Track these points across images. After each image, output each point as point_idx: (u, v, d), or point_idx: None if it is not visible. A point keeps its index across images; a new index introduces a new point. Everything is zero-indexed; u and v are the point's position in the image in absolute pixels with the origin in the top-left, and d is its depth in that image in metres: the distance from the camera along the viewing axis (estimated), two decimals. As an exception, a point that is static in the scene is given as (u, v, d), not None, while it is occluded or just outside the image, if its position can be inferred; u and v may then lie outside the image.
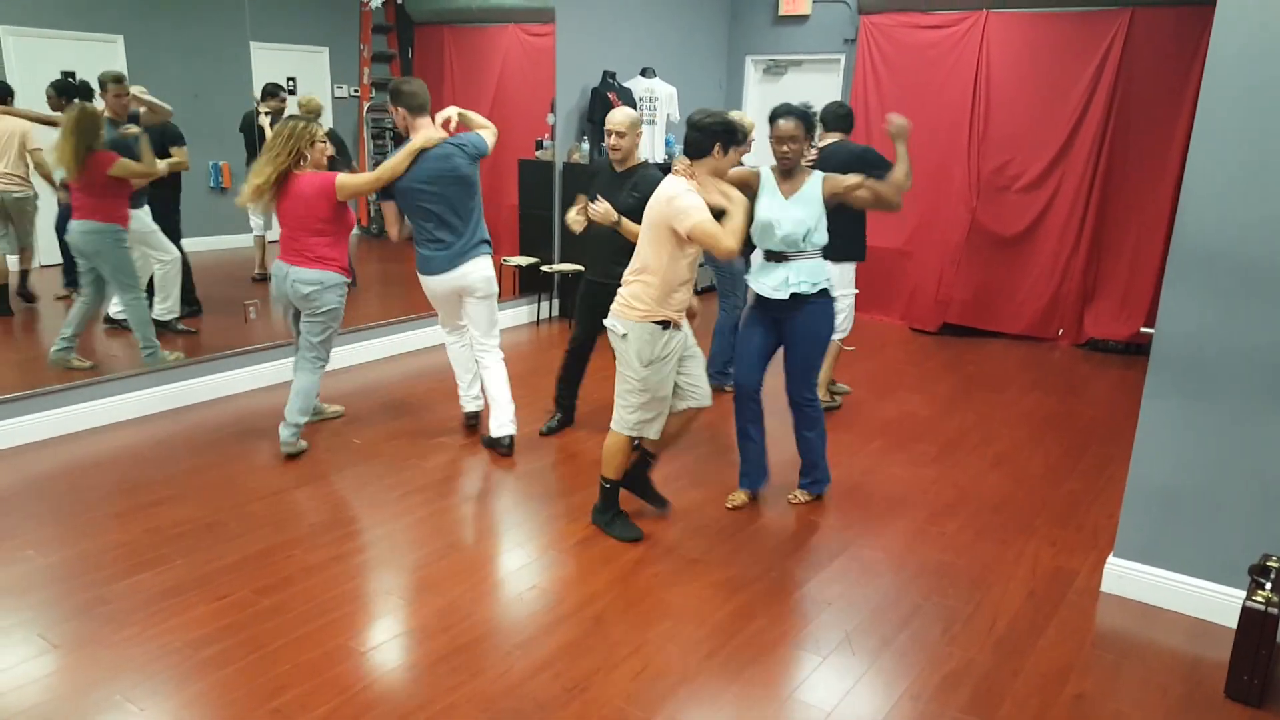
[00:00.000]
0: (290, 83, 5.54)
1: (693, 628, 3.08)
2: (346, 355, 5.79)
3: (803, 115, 3.67)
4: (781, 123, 3.63)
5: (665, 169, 4.94)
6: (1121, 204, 6.89)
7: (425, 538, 3.66)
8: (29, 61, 4.42)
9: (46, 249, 4.79)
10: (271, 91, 5.30)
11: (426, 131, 4.19)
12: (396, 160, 4.15)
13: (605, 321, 3.59)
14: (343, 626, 3.03)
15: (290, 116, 4.25)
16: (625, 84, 7.40)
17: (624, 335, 3.48)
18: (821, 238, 3.72)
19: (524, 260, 7.05)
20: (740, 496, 4.04)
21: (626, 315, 3.47)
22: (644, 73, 7.57)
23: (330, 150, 4.34)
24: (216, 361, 5.19)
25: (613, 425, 3.63)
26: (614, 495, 3.74)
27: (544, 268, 7.12)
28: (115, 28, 4.68)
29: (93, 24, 4.62)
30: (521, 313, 7.22)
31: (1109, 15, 6.68)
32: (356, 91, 5.94)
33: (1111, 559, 3.41)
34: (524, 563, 3.49)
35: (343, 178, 4.19)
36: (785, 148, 3.62)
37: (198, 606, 3.11)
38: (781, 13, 8.31)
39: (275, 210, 4.24)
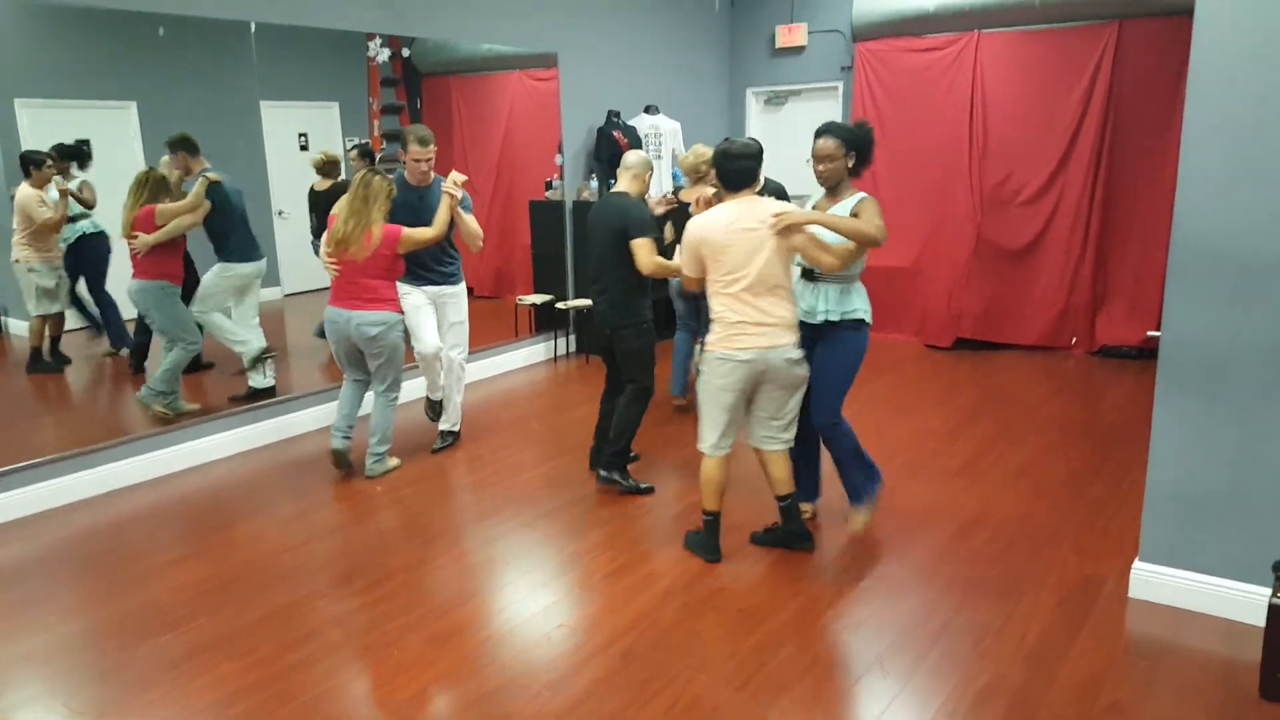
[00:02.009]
0: (302, 138, 5.67)
1: (722, 658, 3.10)
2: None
3: (841, 132, 3.66)
4: (819, 141, 3.69)
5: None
6: (1123, 211, 6.93)
7: (449, 581, 3.70)
8: (43, 132, 4.52)
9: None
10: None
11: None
12: (444, 217, 4.67)
13: (787, 354, 3.55)
14: (370, 677, 3.04)
15: (369, 170, 4.56)
16: (630, 122, 7.52)
17: (801, 359, 3.60)
18: (860, 261, 3.68)
19: (539, 298, 7.14)
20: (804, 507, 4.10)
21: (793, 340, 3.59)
22: (648, 110, 7.69)
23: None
24: (236, 416, 5.27)
25: (787, 446, 3.74)
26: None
27: (559, 304, 7.21)
28: (127, 94, 4.79)
29: (104, 92, 4.73)
30: (538, 350, 7.30)
31: (1097, 29, 6.77)
32: (368, 144, 6.07)
33: (1137, 564, 3.41)
34: (550, 601, 3.52)
35: (407, 231, 4.55)
36: (821, 166, 3.69)
37: (223, 665, 3.12)
38: (779, 45, 8.45)
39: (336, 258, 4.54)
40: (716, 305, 3.59)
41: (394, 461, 4.90)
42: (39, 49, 4.46)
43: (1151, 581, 3.37)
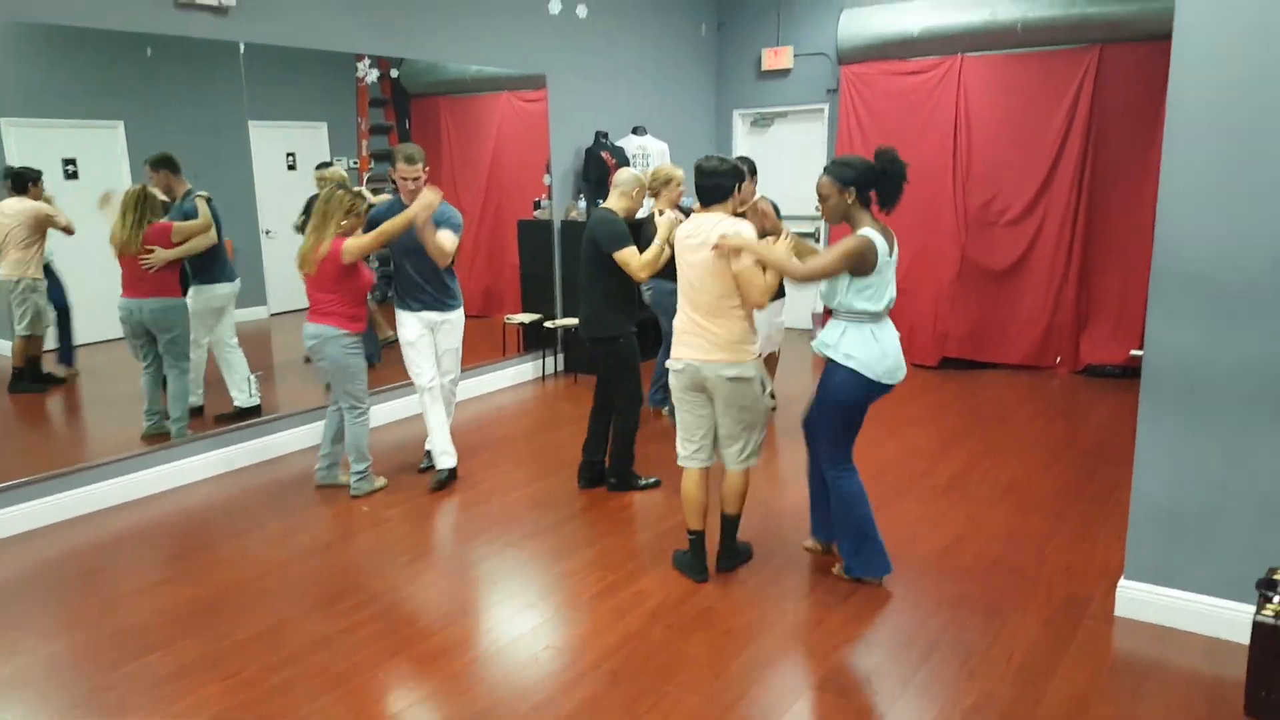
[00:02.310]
0: (290, 158, 5.68)
1: (711, 678, 3.09)
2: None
3: (834, 170, 3.48)
4: (818, 179, 3.55)
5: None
6: (1106, 231, 7.02)
7: (436, 602, 3.68)
8: (30, 151, 4.51)
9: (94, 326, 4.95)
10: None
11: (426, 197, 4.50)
12: (389, 228, 4.51)
13: (721, 370, 3.56)
14: (355, 699, 3.02)
15: (334, 186, 4.59)
16: (618, 143, 7.57)
17: (751, 378, 3.60)
18: (852, 300, 3.45)
19: (527, 317, 7.15)
20: (810, 542, 4.05)
21: (748, 359, 3.59)
22: (635, 131, 7.74)
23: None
24: (220, 436, 5.24)
25: (741, 467, 3.75)
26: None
27: (547, 323, 7.21)
28: (114, 114, 4.78)
29: (92, 111, 4.72)
30: (526, 369, 7.30)
31: (1078, 53, 6.87)
32: (356, 163, 6.08)
33: (1123, 582, 3.43)
34: (537, 622, 3.51)
35: (348, 241, 4.46)
36: (818, 205, 3.63)
37: (207, 686, 3.09)
38: (765, 67, 8.54)
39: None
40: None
41: (380, 481, 4.88)
42: (26, 68, 4.46)
43: (1137, 599, 3.38)
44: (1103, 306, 7.13)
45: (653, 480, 4.86)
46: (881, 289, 3.44)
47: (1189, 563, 3.27)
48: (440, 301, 4.83)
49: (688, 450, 3.81)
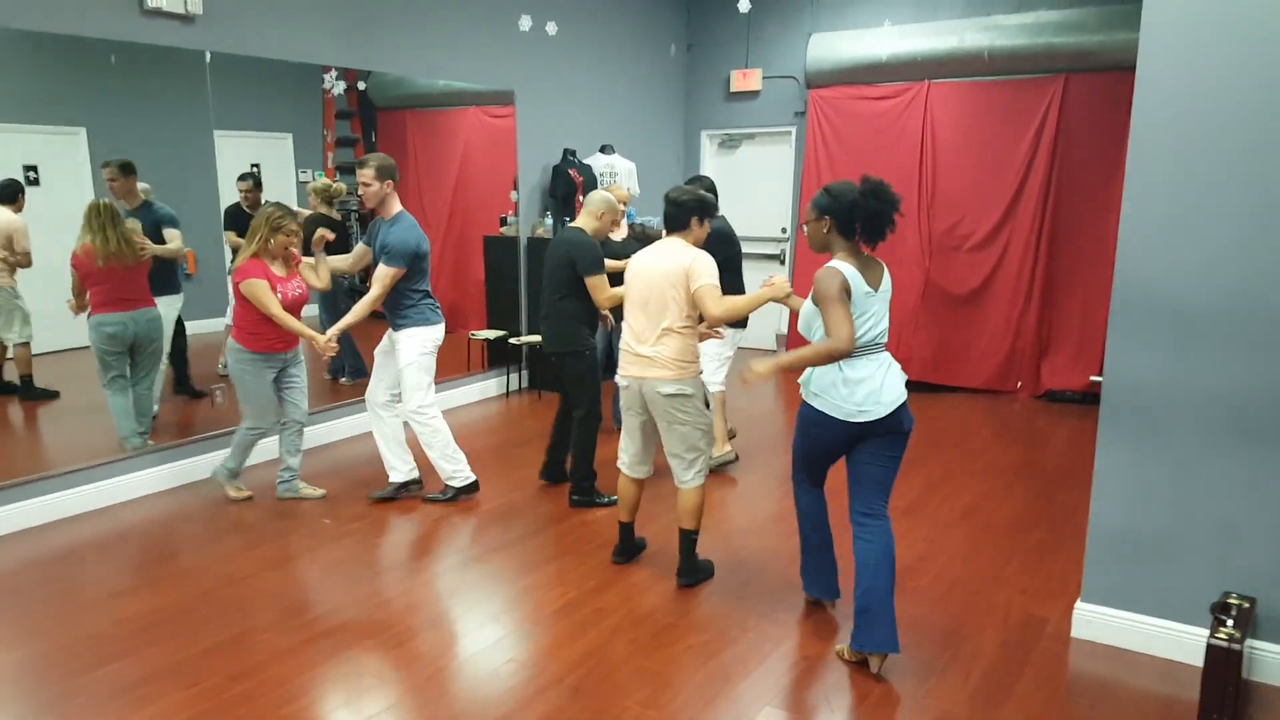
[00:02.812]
0: (255, 169, 5.62)
1: (671, 694, 3.08)
2: (320, 433, 5.77)
3: (818, 198, 3.27)
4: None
5: (644, 238, 5.45)
6: (1069, 259, 7.14)
7: (399, 615, 3.63)
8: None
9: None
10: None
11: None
12: (246, 248, 4.55)
13: (659, 387, 3.71)
14: (317, 710, 2.99)
15: (268, 203, 4.57)
16: (585, 160, 7.59)
17: (690, 394, 3.71)
18: (821, 335, 3.16)
19: (491, 334, 7.12)
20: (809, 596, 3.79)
21: (687, 376, 3.72)
22: (603, 149, 7.77)
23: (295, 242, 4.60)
24: (184, 447, 5.15)
25: (690, 485, 3.80)
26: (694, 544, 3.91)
27: (511, 340, 7.19)
28: (77, 120, 4.70)
29: (53, 117, 4.64)
30: (490, 385, 7.25)
31: (1044, 82, 7.01)
32: (321, 176, 6.03)
33: (1080, 604, 3.47)
34: (500, 636, 3.48)
35: (251, 282, 4.43)
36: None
37: (169, 695, 3.05)
38: (733, 89, 8.62)
39: None
40: None
41: (308, 490, 4.85)
42: (-15, 71, 4.39)
43: (1093, 622, 3.42)
44: (1064, 332, 7.24)
45: (614, 499, 4.84)
46: (860, 325, 3.14)
47: (1145, 586, 3.32)
48: (393, 320, 4.71)
49: (626, 459, 3.99)
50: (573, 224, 4.68)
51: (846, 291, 3.10)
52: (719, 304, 3.62)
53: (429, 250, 4.65)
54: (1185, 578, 3.23)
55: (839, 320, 3.03)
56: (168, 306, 5.11)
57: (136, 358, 4.88)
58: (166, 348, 5.13)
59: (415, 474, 4.94)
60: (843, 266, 3.14)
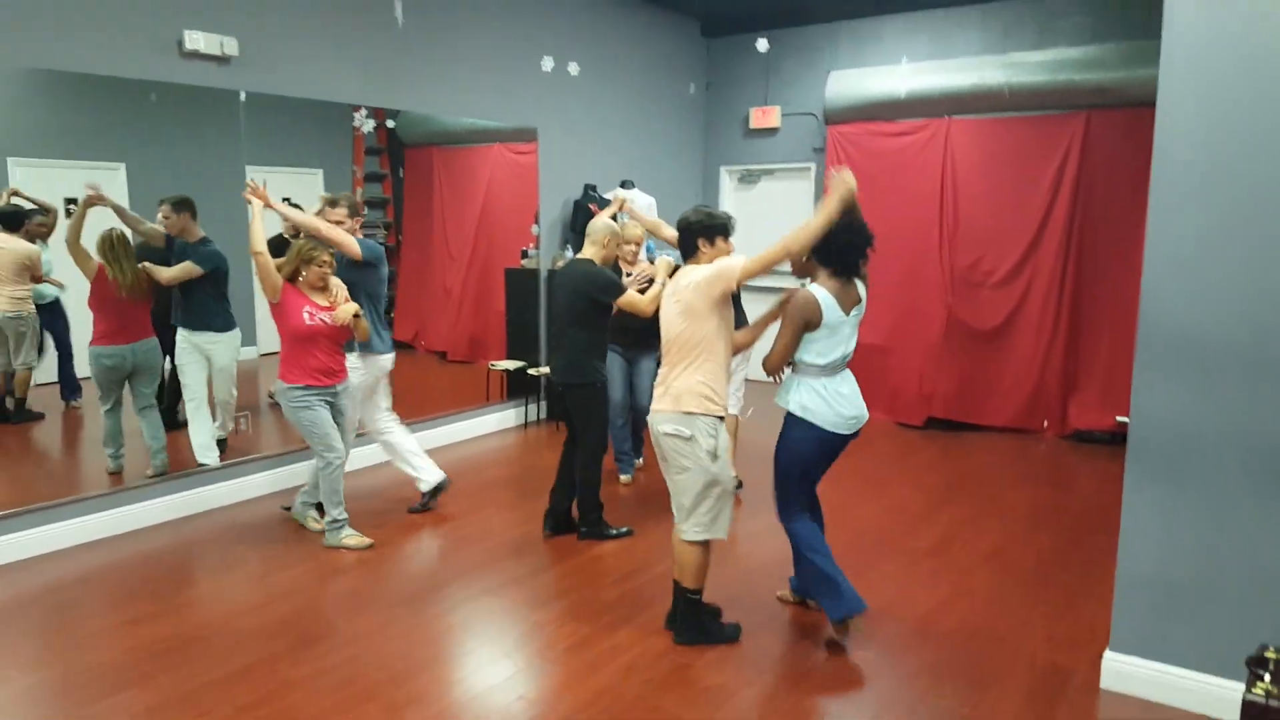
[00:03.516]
0: (285, 202, 5.68)
1: (686, 738, 3.01)
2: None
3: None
4: None
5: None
6: (1094, 296, 7.04)
7: (411, 648, 3.59)
8: (35, 191, 4.60)
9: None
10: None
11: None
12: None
13: (658, 423, 3.48)
14: (326, 747, 2.94)
15: (299, 235, 4.66)
16: (605, 195, 7.62)
17: (690, 437, 3.44)
18: (801, 353, 3.54)
19: (511, 364, 7.12)
20: (783, 591, 4.09)
21: (692, 413, 3.44)
22: (623, 184, 7.79)
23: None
24: (196, 476, 5.16)
25: (687, 538, 3.52)
26: (700, 605, 3.64)
27: (530, 370, 7.19)
28: (117, 156, 4.86)
29: (96, 153, 4.80)
30: (509, 415, 7.25)
31: (1066, 118, 6.97)
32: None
33: (1108, 654, 3.36)
34: (511, 672, 3.42)
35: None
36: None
37: (178, 728, 3.02)
38: (753, 125, 8.66)
39: None
40: None
41: (351, 537, 4.64)
42: (34, 111, 4.55)
43: (1122, 672, 3.31)
44: (1090, 371, 7.13)
45: (624, 530, 4.80)
46: (832, 345, 3.49)
47: (1177, 636, 3.21)
48: (357, 345, 4.83)
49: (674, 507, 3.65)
50: (579, 256, 4.62)
51: (809, 325, 3.46)
52: (753, 260, 3.39)
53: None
54: (1220, 628, 3.12)
55: (783, 343, 3.49)
56: (226, 343, 5.21)
57: (135, 385, 4.90)
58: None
59: (442, 476, 5.12)
60: (821, 295, 3.46)
